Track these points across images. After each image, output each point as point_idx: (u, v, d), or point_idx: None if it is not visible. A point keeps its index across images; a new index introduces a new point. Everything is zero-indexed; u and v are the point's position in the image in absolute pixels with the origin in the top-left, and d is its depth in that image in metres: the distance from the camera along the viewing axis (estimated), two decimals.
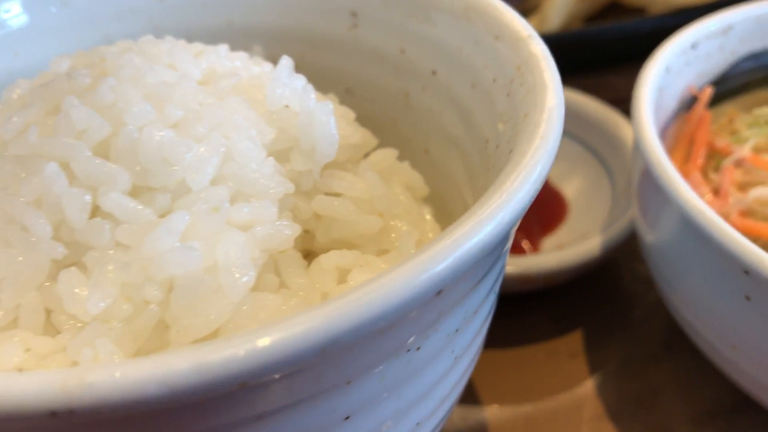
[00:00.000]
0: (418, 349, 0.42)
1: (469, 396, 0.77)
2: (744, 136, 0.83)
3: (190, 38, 0.74)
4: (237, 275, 0.43)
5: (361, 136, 0.61)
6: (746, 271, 0.56)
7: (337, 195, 0.54)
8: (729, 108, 0.90)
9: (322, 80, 0.75)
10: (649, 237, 0.71)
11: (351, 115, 0.62)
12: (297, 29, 0.74)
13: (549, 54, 0.54)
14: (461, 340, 0.48)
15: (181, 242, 0.44)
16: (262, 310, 0.44)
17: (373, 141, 0.64)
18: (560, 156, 0.99)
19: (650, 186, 0.68)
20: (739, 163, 0.78)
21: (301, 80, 0.56)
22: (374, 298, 0.35)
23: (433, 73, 0.66)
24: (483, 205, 0.41)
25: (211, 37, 0.74)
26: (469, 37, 0.61)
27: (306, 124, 0.53)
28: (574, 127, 0.98)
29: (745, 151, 0.77)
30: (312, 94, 0.53)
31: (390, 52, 0.70)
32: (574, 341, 0.83)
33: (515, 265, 0.78)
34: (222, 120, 0.50)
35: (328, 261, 0.50)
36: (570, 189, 0.96)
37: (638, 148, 0.68)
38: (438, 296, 0.38)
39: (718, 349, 0.65)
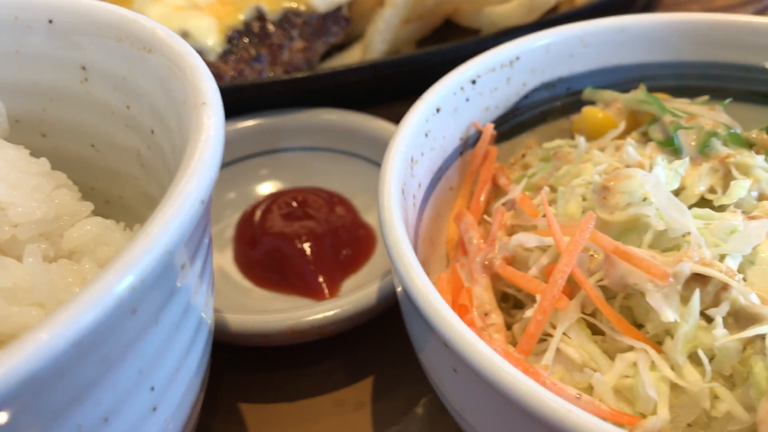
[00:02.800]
0: None
1: None
2: (532, 171, 0.80)
3: None
4: None
5: (52, 209, 0.57)
6: (445, 344, 0.53)
7: None
8: (528, 139, 0.88)
9: (67, 135, 0.72)
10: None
11: (47, 186, 0.58)
12: (34, 83, 0.70)
13: (218, 128, 0.51)
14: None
15: None
16: None
17: (80, 211, 0.60)
18: (368, 188, 0.97)
19: None
20: (512, 205, 0.75)
21: None
22: None
23: (152, 132, 0.63)
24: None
25: None
26: (170, 98, 0.58)
27: None
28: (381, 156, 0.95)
29: (516, 191, 0.75)
30: None
31: (118, 108, 0.66)
32: (363, 390, 0.80)
33: (284, 319, 0.75)
34: None
35: None
36: (376, 219, 0.93)
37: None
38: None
39: (453, 416, 0.62)
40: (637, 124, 0.82)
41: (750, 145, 0.77)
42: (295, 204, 0.93)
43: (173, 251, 0.43)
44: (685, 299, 0.60)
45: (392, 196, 0.64)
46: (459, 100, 0.78)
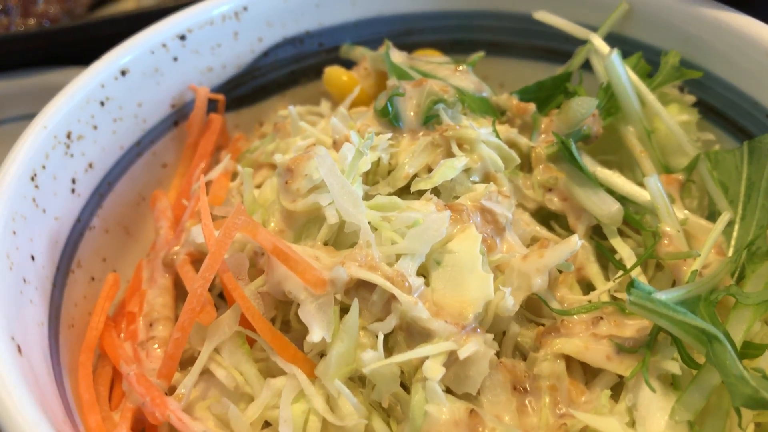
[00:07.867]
0: None
1: None
2: (255, 146, 0.67)
3: None
4: None
5: None
6: None
7: None
8: (279, 104, 0.74)
9: None
10: None
11: None
12: None
13: None
14: None
15: None
16: None
17: None
18: None
19: None
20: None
21: None
22: None
23: None
24: None
25: None
26: None
27: None
28: None
29: (216, 171, 0.62)
30: None
31: None
32: None
33: None
34: None
35: None
36: None
37: None
38: None
39: None
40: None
41: (501, 112, 0.65)
42: None
43: None
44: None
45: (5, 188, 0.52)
46: (161, 60, 0.65)
